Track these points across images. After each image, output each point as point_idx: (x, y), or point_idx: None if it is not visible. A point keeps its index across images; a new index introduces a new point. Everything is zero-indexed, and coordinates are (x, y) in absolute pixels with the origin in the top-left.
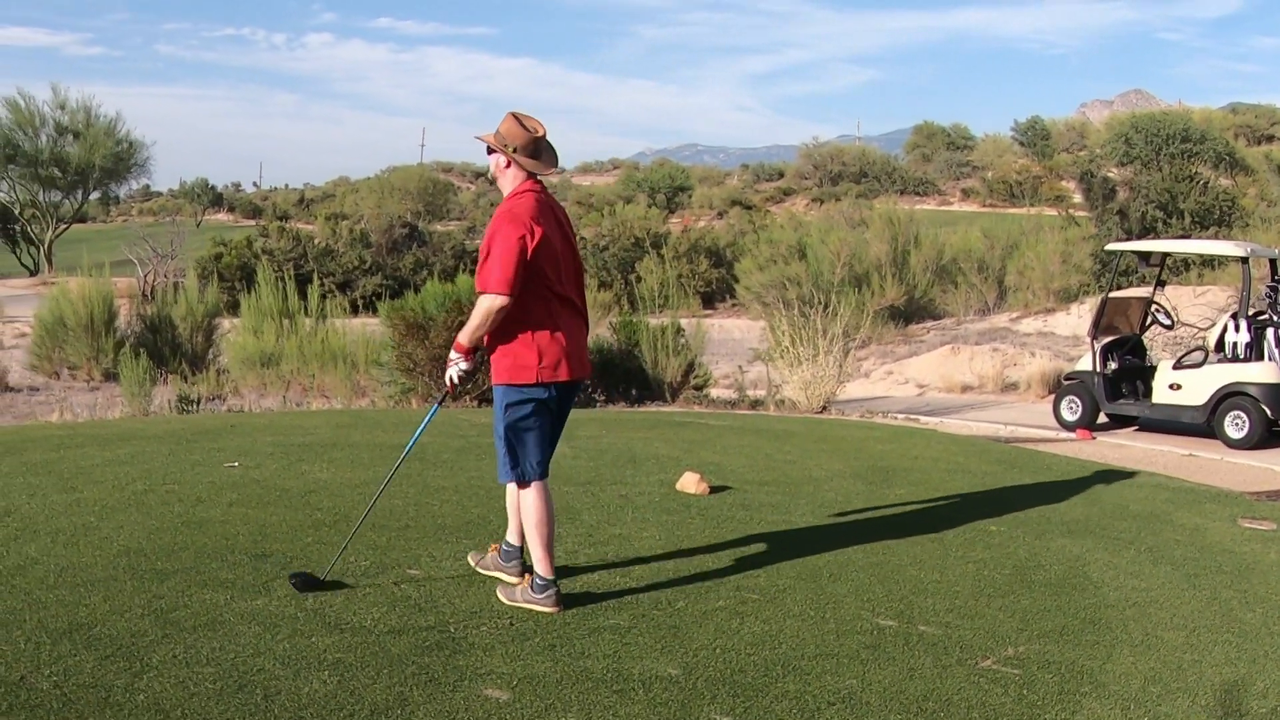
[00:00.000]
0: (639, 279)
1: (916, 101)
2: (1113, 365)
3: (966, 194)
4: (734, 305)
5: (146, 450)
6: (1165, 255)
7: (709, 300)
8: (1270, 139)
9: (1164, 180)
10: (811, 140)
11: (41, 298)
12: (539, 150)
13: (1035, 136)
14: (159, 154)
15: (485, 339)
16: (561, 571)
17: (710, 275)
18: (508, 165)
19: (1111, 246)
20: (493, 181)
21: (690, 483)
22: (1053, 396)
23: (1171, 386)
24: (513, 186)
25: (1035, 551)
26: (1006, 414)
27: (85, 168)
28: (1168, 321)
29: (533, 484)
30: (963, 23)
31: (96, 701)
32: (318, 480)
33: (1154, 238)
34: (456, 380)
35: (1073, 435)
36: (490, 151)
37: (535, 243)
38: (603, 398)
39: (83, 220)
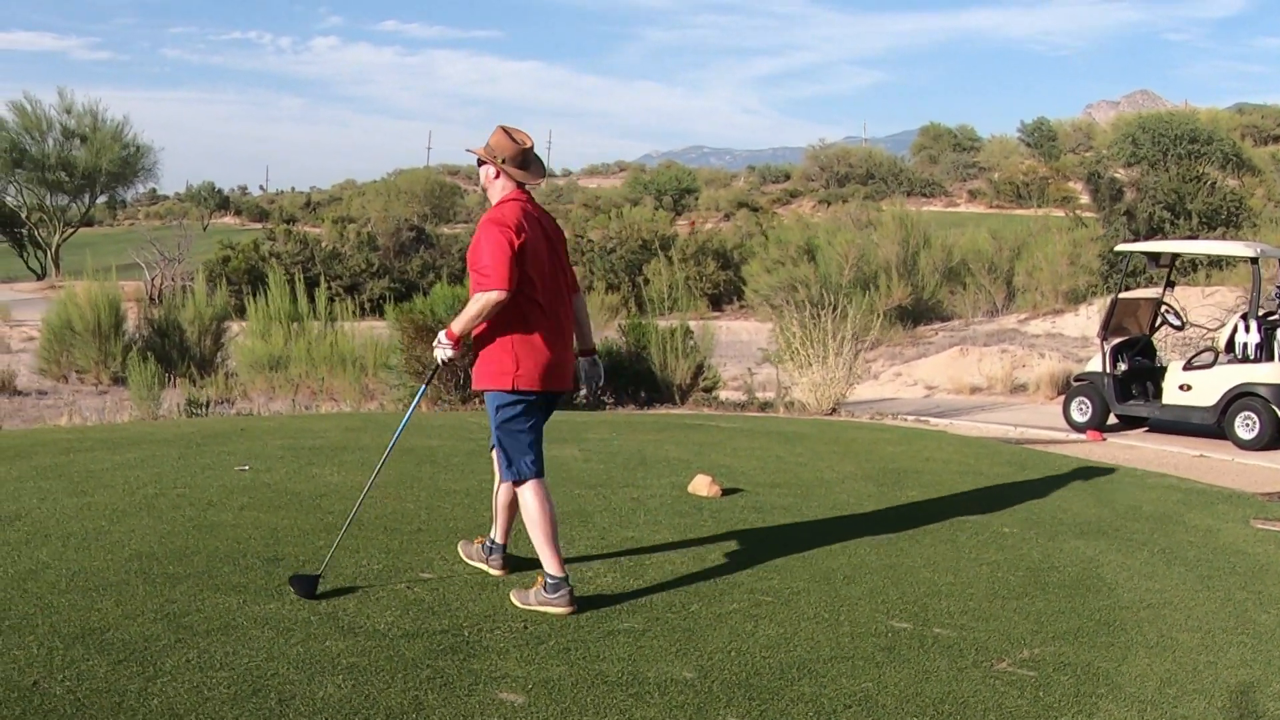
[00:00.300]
0: (646, 281)
1: (922, 103)
2: (1123, 366)
3: (973, 195)
4: (742, 307)
5: (156, 454)
6: (1175, 256)
7: (716, 302)
8: (1277, 139)
9: (1171, 181)
10: (818, 142)
11: (49, 301)
12: (527, 161)
13: (1042, 137)
14: (165, 158)
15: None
16: (574, 575)
17: (718, 277)
18: (497, 175)
19: (1121, 247)
20: (484, 192)
21: (702, 485)
22: (1062, 398)
23: (1182, 387)
24: (500, 196)
25: (1048, 553)
26: (1016, 415)
27: (92, 171)
28: (1178, 322)
29: (529, 482)
30: (968, 24)
31: (110, 707)
32: (329, 484)
33: (1161, 238)
34: (442, 363)
35: (1083, 436)
36: (481, 163)
37: (520, 244)
38: (612, 400)
39: (89, 224)
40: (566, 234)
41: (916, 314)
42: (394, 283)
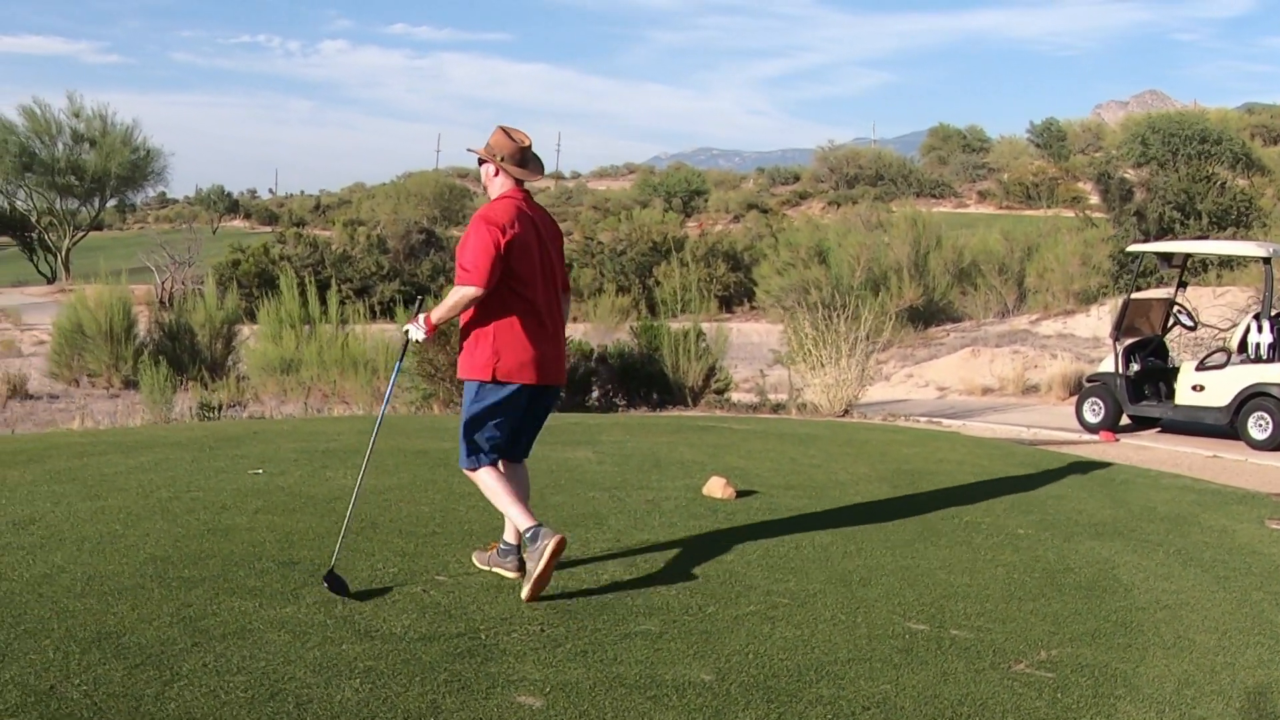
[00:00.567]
0: (657, 283)
1: (931, 104)
2: (1135, 367)
3: (983, 196)
4: (752, 309)
5: (170, 457)
6: (1187, 256)
7: (726, 304)
8: None
9: (1181, 181)
10: (827, 143)
11: (59, 305)
12: (525, 160)
13: (1051, 138)
14: (174, 161)
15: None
16: (590, 577)
17: (728, 279)
18: (496, 173)
19: (1133, 248)
20: (485, 190)
21: (716, 487)
22: (1074, 399)
23: (1194, 388)
24: (498, 193)
25: (1064, 554)
26: (1028, 416)
27: (102, 175)
28: (1190, 323)
29: (483, 468)
30: (976, 25)
31: (127, 711)
32: (343, 486)
33: (1172, 239)
34: (413, 340)
35: (1096, 437)
36: (481, 162)
37: (506, 241)
38: (624, 402)
39: (99, 228)
40: (576, 236)
41: (928, 315)
42: (404, 285)
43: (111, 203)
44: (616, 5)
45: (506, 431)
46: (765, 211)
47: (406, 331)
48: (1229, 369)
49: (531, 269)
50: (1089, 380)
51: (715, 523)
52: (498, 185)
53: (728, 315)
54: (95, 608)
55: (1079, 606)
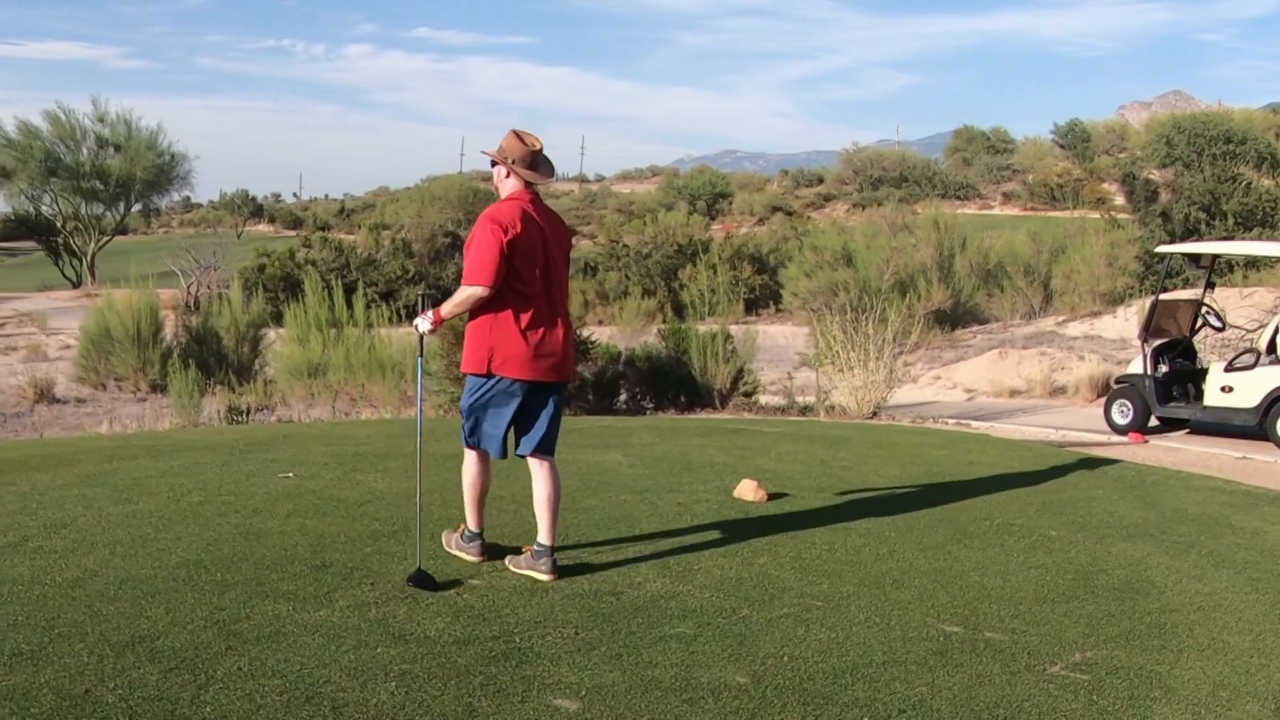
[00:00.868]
0: (682, 286)
1: (955, 105)
2: (1164, 368)
3: (1007, 197)
4: (778, 311)
5: (200, 461)
6: (1215, 257)
7: (751, 306)
8: None
9: (1206, 182)
10: (851, 145)
11: (85, 310)
12: (536, 162)
13: (1075, 139)
14: (199, 165)
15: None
16: (623, 580)
17: (753, 281)
18: (508, 175)
19: (1161, 249)
20: (498, 191)
21: (748, 490)
22: (1102, 400)
23: (1223, 389)
24: (507, 194)
25: (1096, 556)
26: (1057, 418)
27: (127, 179)
28: (1218, 323)
29: (473, 452)
30: (999, 26)
31: (163, 714)
32: (373, 490)
33: (1197, 239)
34: (421, 333)
35: (1125, 439)
36: (494, 164)
37: (508, 240)
38: (652, 405)
39: (124, 232)
40: (601, 239)
41: (954, 317)
42: (430, 288)
43: (136, 207)
44: (640, 8)
45: (504, 425)
46: (790, 214)
47: (416, 325)
48: (1257, 370)
49: (533, 268)
50: (1117, 382)
51: (747, 525)
52: (508, 187)
53: (753, 318)
54: (129, 611)
55: (1112, 608)
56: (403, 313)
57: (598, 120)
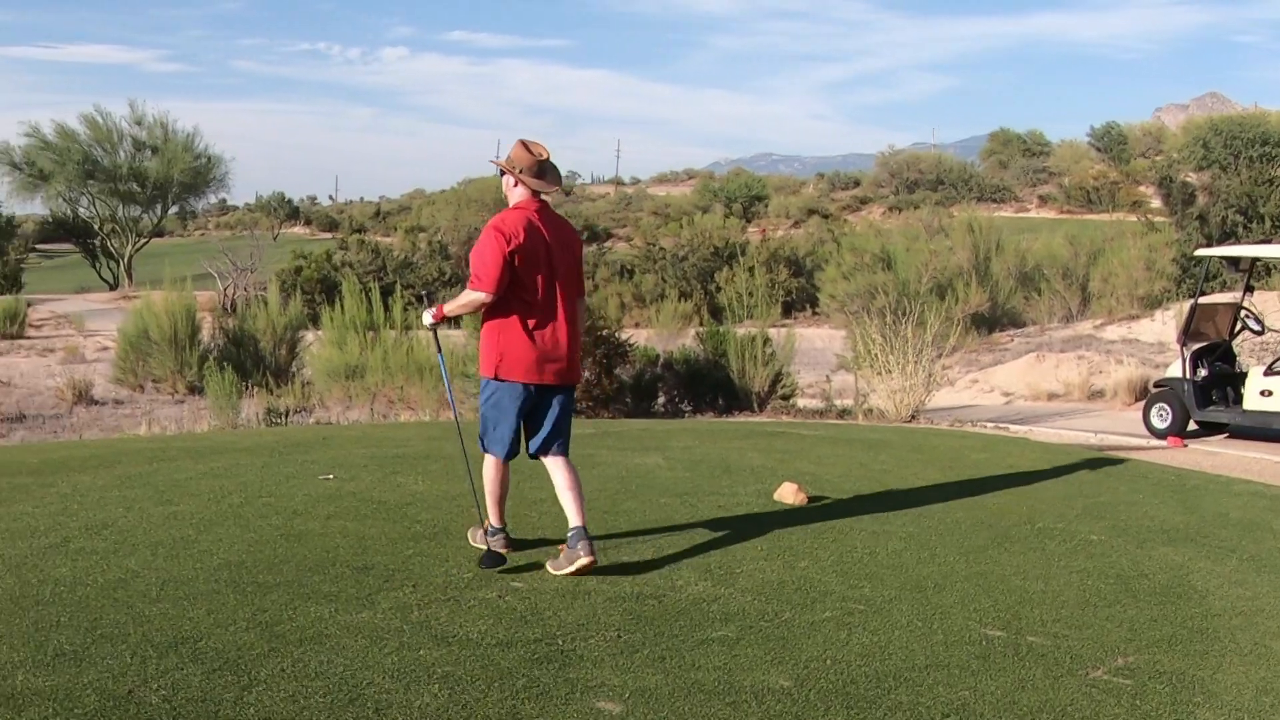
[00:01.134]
0: (719, 289)
1: (992, 108)
2: (1203, 372)
3: (1043, 200)
4: (814, 314)
5: (240, 463)
6: (1254, 260)
7: (787, 309)
8: None
9: (1243, 184)
10: (887, 148)
11: (122, 312)
12: (543, 171)
13: (1112, 141)
14: (235, 168)
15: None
16: (665, 582)
17: (790, 284)
18: (515, 184)
19: (1200, 252)
20: (506, 198)
21: (788, 493)
22: (1140, 404)
23: (1263, 393)
24: (515, 202)
25: (1138, 560)
26: (1095, 422)
27: (164, 182)
28: (1258, 327)
29: (493, 459)
30: (1036, 28)
31: (206, 715)
32: (414, 492)
33: (1234, 242)
34: (425, 325)
35: (1164, 443)
36: (502, 174)
37: (511, 248)
38: (690, 408)
39: (161, 235)
40: (637, 242)
41: (991, 320)
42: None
43: (173, 209)
44: (676, 11)
45: (514, 428)
46: (826, 217)
47: (422, 317)
48: None
49: (536, 275)
50: (1156, 385)
51: (788, 528)
52: (516, 195)
53: (789, 320)
54: (171, 612)
55: (1154, 613)
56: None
57: (633, 123)
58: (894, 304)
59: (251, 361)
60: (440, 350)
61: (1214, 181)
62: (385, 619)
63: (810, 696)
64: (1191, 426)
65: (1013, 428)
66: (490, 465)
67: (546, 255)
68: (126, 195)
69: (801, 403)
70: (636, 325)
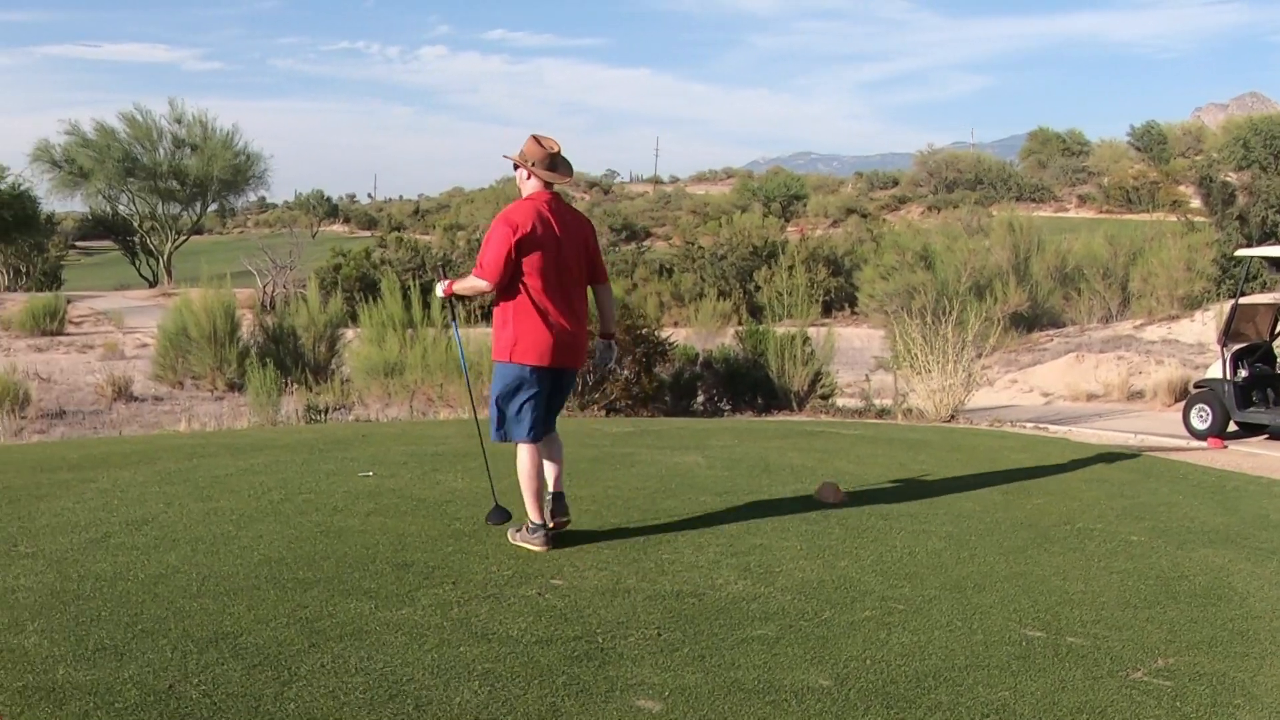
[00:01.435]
0: (757, 288)
1: (1031, 107)
2: (1243, 373)
3: (1082, 200)
4: (853, 313)
5: (280, 459)
6: None
7: (826, 309)
8: None
9: None
10: (926, 147)
11: (161, 309)
12: (554, 164)
13: (1151, 141)
14: (273, 166)
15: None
16: (704, 581)
17: (829, 284)
18: (528, 177)
19: (1241, 252)
20: (520, 190)
21: (828, 492)
22: (1181, 405)
23: None
24: (527, 194)
25: (1178, 562)
26: (1135, 423)
27: (203, 180)
28: None
29: (522, 445)
30: (1076, 28)
31: (246, 710)
32: (453, 489)
33: (1275, 242)
34: (439, 295)
35: (1204, 444)
36: (516, 167)
37: (517, 239)
38: (729, 407)
39: (200, 232)
40: (676, 241)
41: (1030, 320)
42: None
43: (212, 207)
44: (715, 10)
45: (538, 407)
46: (865, 216)
47: (434, 288)
48: None
49: (548, 264)
50: (1196, 386)
51: (828, 527)
52: (529, 187)
53: (828, 320)
54: (211, 608)
55: (1194, 614)
56: (478, 313)
57: (671, 122)
58: (933, 303)
59: (291, 358)
60: (455, 319)
61: (1254, 181)
62: (425, 615)
63: (850, 696)
64: (1232, 428)
65: (1052, 428)
66: (525, 454)
67: (555, 244)
68: (166, 193)
69: (840, 402)
70: (675, 324)
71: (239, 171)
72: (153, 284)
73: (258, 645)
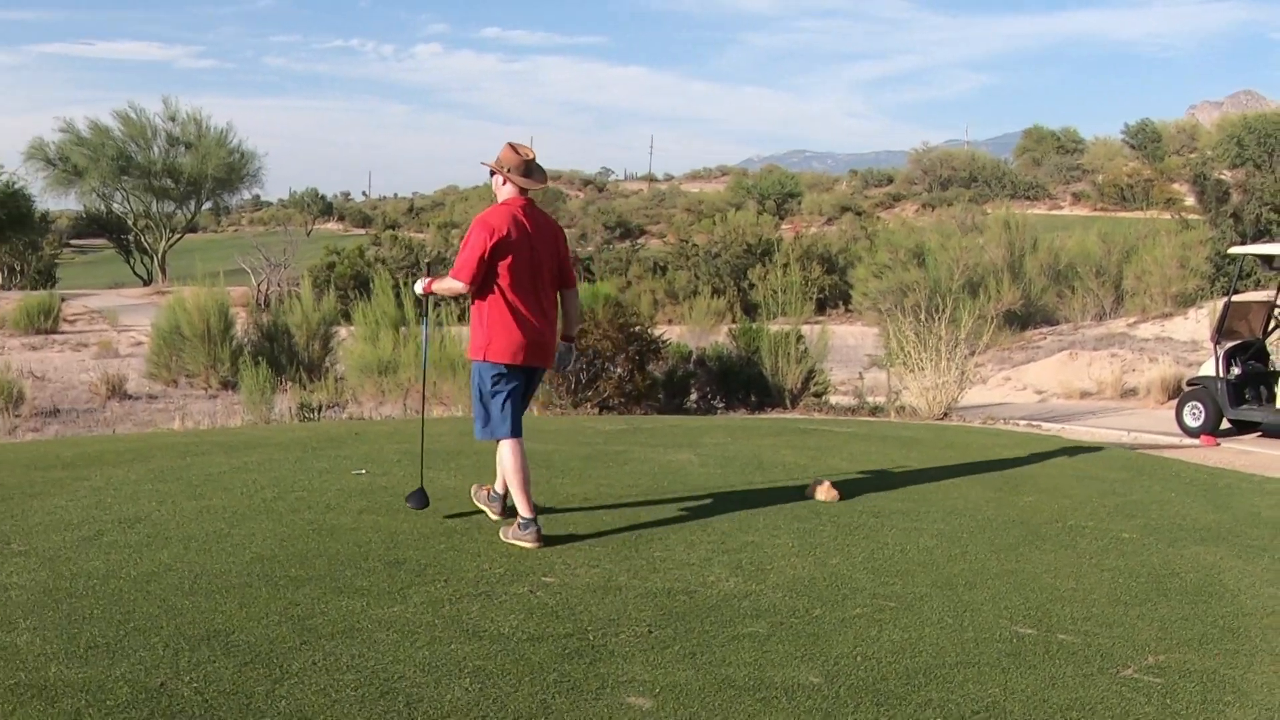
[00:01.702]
0: (751, 285)
1: (1026, 105)
2: (1236, 370)
3: (1077, 198)
4: (847, 311)
5: (273, 457)
6: None
7: (820, 306)
8: None
9: (1278, 182)
10: (921, 145)
11: (155, 307)
12: (529, 170)
13: (1146, 139)
14: (268, 164)
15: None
16: (695, 578)
17: (822, 281)
18: (504, 183)
19: (1234, 250)
20: (495, 195)
21: (820, 490)
22: (1174, 402)
23: None
24: (503, 199)
25: (1169, 559)
26: (1128, 420)
27: (197, 178)
28: None
29: (506, 441)
30: (1073, 26)
31: (238, 708)
32: (446, 487)
33: (1269, 240)
34: (418, 293)
35: (1197, 441)
36: (492, 174)
37: (493, 243)
38: (722, 404)
39: (194, 230)
40: (670, 239)
41: (1024, 317)
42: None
43: (207, 205)
44: (715, 9)
45: (515, 403)
46: (859, 214)
47: (413, 286)
48: None
49: (521, 267)
50: (1189, 384)
51: (819, 525)
52: (504, 193)
53: (821, 318)
54: (203, 605)
55: (1185, 612)
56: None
57: (669, 120)
58: (927, 301)
59: (285, 357)
60: (425, 317)
61: (1248, 179)
62: (417, 613)
63: (841, 693)
64: (1225, 425)
65: (1045, 426)
66: (508, 449)
67: (529, 248)
68: (160, 191)
69: (834, 400)
70: (670, 322)
71: (233, 169)
72: (147, 282)
73: (249, 643)
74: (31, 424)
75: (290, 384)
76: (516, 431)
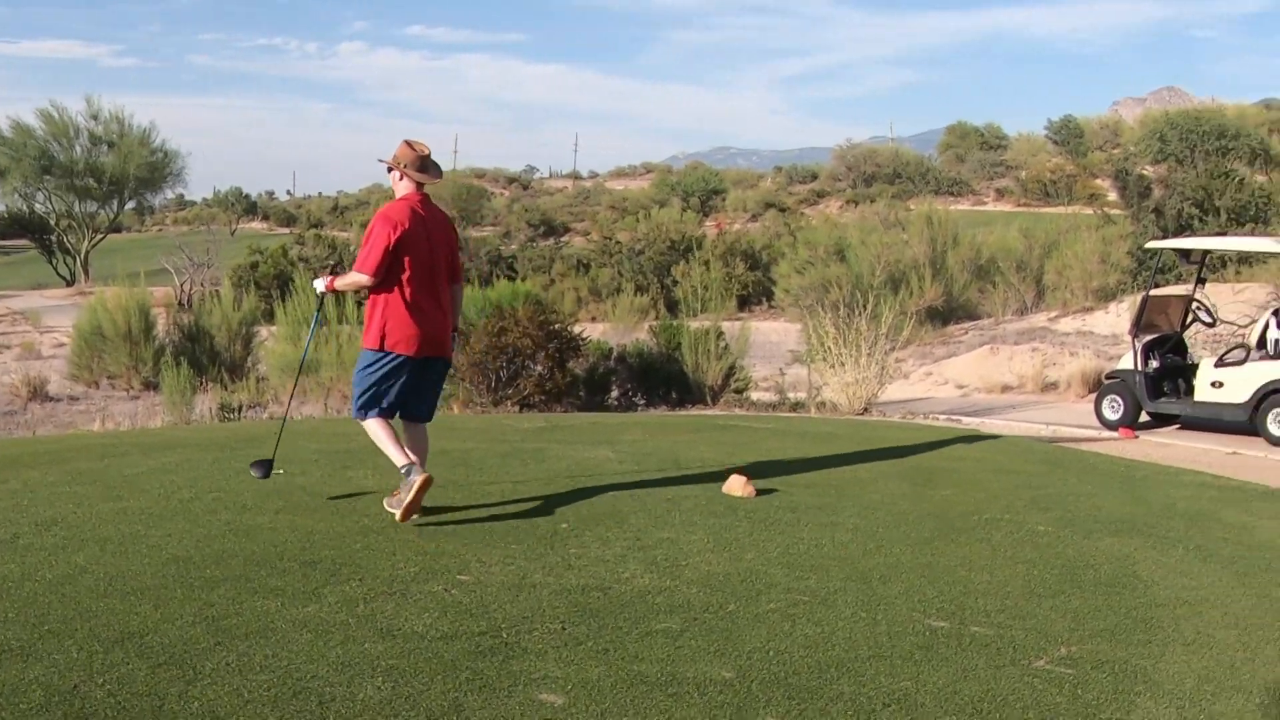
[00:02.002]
0: (675, 282)
1: (949, 102)
2: (1154, 364)
3: (1000, 194)
4: (770, 308)
5: (191, 458)
6: (1206, 252)
7: (743, 303)
8: None
9: (1199, 177)
10: (845, 142)
11: (78, 308)
12: (425, 166)
13: (1069, 135)
14: (192, 163)
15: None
16: (609, 575)
17: (746, 278)
18: (401, 179)
19: (1151, 244)
20: (393, 191)
21: (736, 485)
22: (1093, 396)
23: (1213, 384)
24: (400, 195)
25: (1084, 551)
26: (1047, 414)
27: (120, 177)
28: (1209, 319)
29: (371, 419)
30: (994, 22)
31: (151, 710)
32: (363, 487)
33: (1190, 235)
34: (319, 291)
35: (1115, 434)
36: (389, 170)
37: (396, 238)
38: (643, 401)
39: (118, 230)
40: (594, 236)
41: (946, 313)
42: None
43: (130, 205)
44: (636, 5)
45: (395, 392)
46: (783, 210)
47: (314, 284)
48: (1248, 365)
49: (419, 260)
50: (1108, 377)
51: (735, 521)
52: (402, 188)
53: (745, 314)
54: (118, 608)
55: (1099, 603)
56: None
57: (592, 117)
58: (848, 297)
59: (207, 357)
60: (318, 315)
61: (1170, 174)
62: (331, 613)
63: (752, 687)
64: (1143, 418)
65: (965, 420)
66: (373, 424)
67: (427, 242)
68: (83, 191)
69: (755, 396)
70: (593, 319)
71: (156, 169)
72: (70, 283)
73: (163, 644)
74: None
75: (212, 384)
76: (384, 414)
